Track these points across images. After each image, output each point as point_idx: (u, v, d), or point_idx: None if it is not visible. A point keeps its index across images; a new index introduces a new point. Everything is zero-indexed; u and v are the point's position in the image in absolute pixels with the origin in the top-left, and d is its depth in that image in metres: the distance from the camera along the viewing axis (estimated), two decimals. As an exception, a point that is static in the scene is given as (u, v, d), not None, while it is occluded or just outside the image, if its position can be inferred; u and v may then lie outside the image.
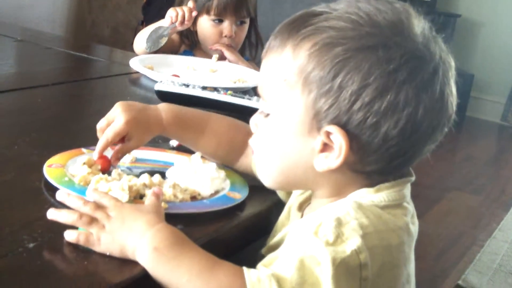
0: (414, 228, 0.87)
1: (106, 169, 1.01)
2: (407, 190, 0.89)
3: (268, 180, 0.93)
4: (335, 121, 0.82)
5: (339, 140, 0.82)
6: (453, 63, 0.86)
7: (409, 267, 0.86)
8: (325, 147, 0.84)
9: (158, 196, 0.88)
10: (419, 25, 0.84)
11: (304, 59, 0.83)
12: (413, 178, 0.90)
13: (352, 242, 0.77)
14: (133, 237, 0.81)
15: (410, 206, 0.88)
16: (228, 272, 0.77)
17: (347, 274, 0.76)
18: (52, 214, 0.84)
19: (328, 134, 0.83)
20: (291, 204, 0.99)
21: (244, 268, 0.77)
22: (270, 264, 0.78)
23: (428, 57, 0.83)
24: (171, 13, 1.94)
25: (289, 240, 0.82)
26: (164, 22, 1.95)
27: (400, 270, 0.83)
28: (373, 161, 0.84)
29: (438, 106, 0.83)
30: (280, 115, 0.87)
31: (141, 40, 1.99)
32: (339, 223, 0.78)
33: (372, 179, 0.86)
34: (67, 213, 0.84)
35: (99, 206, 0.85)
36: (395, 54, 0.80)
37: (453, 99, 0.86)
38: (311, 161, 0.85)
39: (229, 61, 2.00)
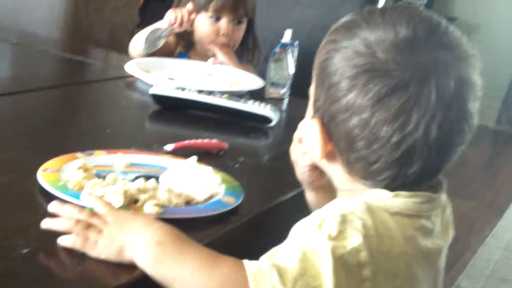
0: (428, 245, 0.86)
1: None
2: (429, 206, 0.87)
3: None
4: (319, 113, 0.88)
5: (315, 130, 0.88)
6: (453, 84, 0.82)
7: (417, 286, 0.84)
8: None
9: None
10: (402, 33, 0.83)
11: (318, 52, 0.90)
12: (435, 195, 0.89)
13: (353, 240, 0.77)
14: (133, 237, 0.81)
15: (428, 223, 0.87)
16: (230, 264, 0.78)
17: (346, 270, 0.76)
18: (47, 223, 0.84)
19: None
20: None
21: (245, 260, 0.78)
22: (273, 256, 0.79)
23: (394, 72, 0.81)
24: (170, 15, 1.94)
25: (293, 233, 0.82)
26: (163, 24, 1.95)
27: (402, 282, 0.82)
28: (353, 161, 0.86)
29: (398, 122, 0.81)
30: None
31: (137, 42, 1.99)
32: (344, 220, 0.79)
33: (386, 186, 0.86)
34: (63, 220, 0.84)
35: (94, 213, 0.85)
36: (359, 62, 0.83)
37: (432, 124, 0.81)
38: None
39: (221, 62, 2.00)
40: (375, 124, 0.81)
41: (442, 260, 0.91)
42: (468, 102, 0.83)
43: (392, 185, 0.85)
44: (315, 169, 1.01)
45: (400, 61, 0.81)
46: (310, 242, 0.77)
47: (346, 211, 0.80)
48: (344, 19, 0.89)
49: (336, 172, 0.91)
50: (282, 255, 0.77)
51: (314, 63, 0.91)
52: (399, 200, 0.84)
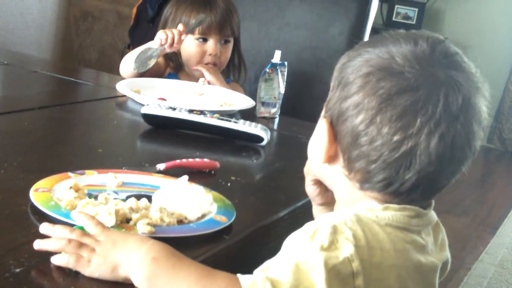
0: (421, 260, 0.86)
1: None
2: (418, 221, 0.88)
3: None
4: (330, 113, 0.90)
5: (323, 129, 0.90)
6: (461, 101, 0.84)
7: None
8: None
9: None
10: (423, 47, 0.86)
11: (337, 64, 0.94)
12: (424, 211, 0.89)
13: (345, 250, 0.78)
14: (128, 254, 0.82)
15: (420, 239, 0.88)
16: (224, 278, 0.79)
17: (340, 280, 0.76)
18: (39, 244, 0.84)
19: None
20: None
21: (239, 274, 0.78)
22: (266, 269, 0.79)
23: (408, 74, 0.84)
24: (160, 35, 1.94)
25: (286, 245, 0.82)
26: (153, 44, 1.95)
27: None
28: (353, 158, 0.87)
29: (402, 121, 0.82)
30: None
31: (127, 62, 1.99)
32: (335, 231, 0.79)
33: (377, 199, 0.88)
34: (55, 240, 0.84)
35: (86, 233, 0.86)
36: (376, 62, 0.86)
37: (435, 133, 0.82)
38: None
39: (208, 82, 2.01)
40: (380, 121, 0.83)
41: (437, 278, 0.91)
42: (473, 124, 0.85)
43: (388, 190, 0.86)
44: (319, 184, 1.03)
45: (416, 67, 0.84)
46: (302, 254, 0.78)
47: (337, 222, 0.81)
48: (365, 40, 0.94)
49: (335, 175, 0.92)
50: (276, 268, 0.78)
51: (334, 70, 0.93)
52: (389, 213, 0.86)
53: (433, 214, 0.93)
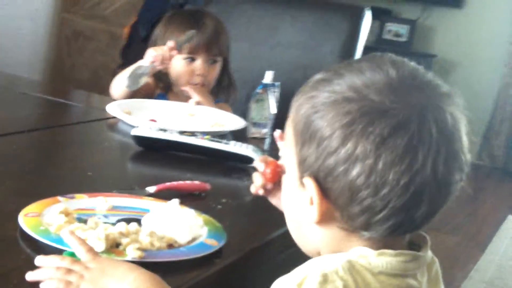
0: None
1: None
2: (414, 264, 0.84)
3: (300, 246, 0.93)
4: (310, 172, 0.82)
5: (311, 189, 0.82)
6: (449, 117, 0.81)
7: None
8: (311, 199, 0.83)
9: None
10: (389, 74, 0.81)
11: (294, 112, 0.86)
12: (422, 254, 0.86)
13: None
14: (115, 282, 0.82)
15: (415, 282, 0.83)
16: None
17: None
18: (31, 276, 0.84)
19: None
20: None
21: None
22: None
23: (393, 110, 0.78)
24: (151, 52, 1.95)
25: None
26: (144, 62, 1.96)
27: None
28: (354, 215, 0.81)
29: (406, 162, 0.78)
30: (287, 170, 0.89)
31: (119, 82, 2.00)
32: (325, 280, 0.76)
33: (372, 241, 0.83)
34: (45, 269, 0.84)
35: (76, 260, 0.85)
36: (353, 107, 0.79)
37: (438, 159, 0.79)
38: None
39: (197, 103, 2.01)
40: (382, 168, 0.77)
41: None
42: (463, 136, 0.82)
43: (396, 232, 0.82)
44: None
45: (395, 100, 0.79)
46: None
47: (328, 270, 0.77)
48: (318, 76, 0.86)
49: (328, 235, 0.85)
50: None
51: (289, 126, 0.87)
52: (384, 259, 0.81)
53: (428, 253, 0.89)
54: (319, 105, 0.82)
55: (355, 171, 0.78)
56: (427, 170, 0.78)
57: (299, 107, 0.85)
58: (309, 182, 0.82)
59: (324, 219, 0.83)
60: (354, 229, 0.83)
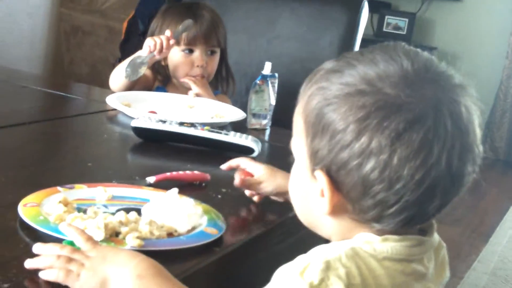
0: None
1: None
2: (420, 249, 0.84)
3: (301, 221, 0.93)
4: (323, 164, 0.81)
5: (322, 182, 0.81)
6: (464, 109, 0.80)
7: None
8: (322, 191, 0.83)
9: None
10: (403, 67, 0.80)
11: (304, 102, 0.85)
12: (426, 238, 0.85)
13: None
14: (116, 269, 0.82)
15: (421, 267, 0.83)
16: None
17: None
18: (30, 263, 0.83)
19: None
20: None
21: None
22: None
23: (409, 105, 0.77)
24: (149, 42, 1.94)
25: (275, 278, 0.79)
26: (143, 52, 1.95)
27: None
28: (367, 208, 0.80)
29: (421, 157, 0.77)
30: (297, 160, 0.89)
31: (118, 73, 1.99)
32: (327, 267, 0.76)
33: (382, 232, 0.82)
34: (45, 257, 0.84)
35: (76, 249, 0.85)
36: (367, 101, 0.78)
37: (453, 154, 0.78)
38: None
39: (197, 95, 2.01)
40: (397, 163, 0.76)
41: None
42: (476, 128, 0.81)
43: (408, 225, 0.82)
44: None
45: (411, 93, 0.77)
46: None
47: (331, 257, 0.77)
48: (328, 65, 0.84)
49: (339, 225, 0.85)
50: None
51: (299, 116, 0.85)
52: (388, 244, 0.81)
53: (435, 237, 0.89)
54: (332, 97, 0.80)
55: (369, 166, 0.77)
56: (441, 165, 0.77)
57: (310, 97, 0.83)
58: (321, 175, 0.81)
59: (336, 210, 0.83)
60: (365, 221, 0.82)
